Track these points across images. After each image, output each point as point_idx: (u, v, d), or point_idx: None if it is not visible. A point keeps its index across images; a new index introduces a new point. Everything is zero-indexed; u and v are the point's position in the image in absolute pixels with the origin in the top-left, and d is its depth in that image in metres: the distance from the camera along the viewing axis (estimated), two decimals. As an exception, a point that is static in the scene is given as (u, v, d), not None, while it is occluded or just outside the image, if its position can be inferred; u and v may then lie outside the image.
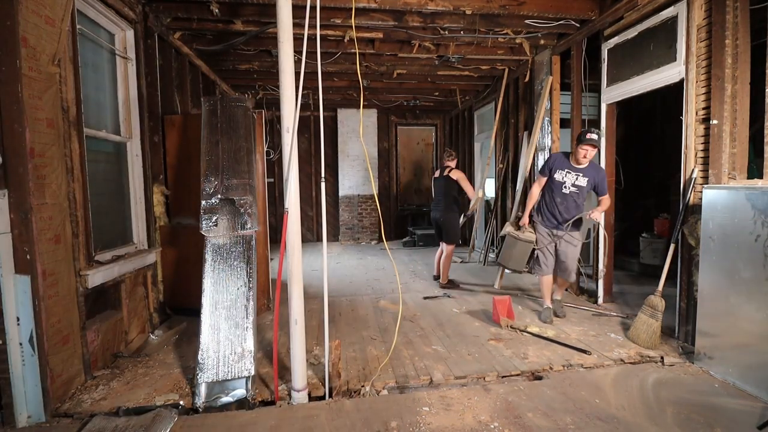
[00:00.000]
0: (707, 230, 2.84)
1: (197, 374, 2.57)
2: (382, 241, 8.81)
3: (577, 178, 3.59)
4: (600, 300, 4.25)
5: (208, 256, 2.83)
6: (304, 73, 2.60)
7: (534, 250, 3.80)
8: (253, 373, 2.61)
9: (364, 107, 8.51)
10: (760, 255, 2.49)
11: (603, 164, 4.24)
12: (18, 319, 2.27)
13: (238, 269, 2.83)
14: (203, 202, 2.91)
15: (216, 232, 2.88)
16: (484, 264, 6.38)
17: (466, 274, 5.73)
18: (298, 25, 2.62)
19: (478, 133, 7.83)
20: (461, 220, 5.16)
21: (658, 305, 3.18)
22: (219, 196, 2.93)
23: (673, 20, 3.31)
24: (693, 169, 3.14)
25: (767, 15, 3.01)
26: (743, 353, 2.61)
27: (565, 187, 3.62)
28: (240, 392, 2.56)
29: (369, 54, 5.24)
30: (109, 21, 3.36)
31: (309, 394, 2.56)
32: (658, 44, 3.49)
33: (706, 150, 3.06)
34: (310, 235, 9.04)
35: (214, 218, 2.89)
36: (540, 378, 2.78)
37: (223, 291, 2.78)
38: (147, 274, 3.67)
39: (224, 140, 3.11)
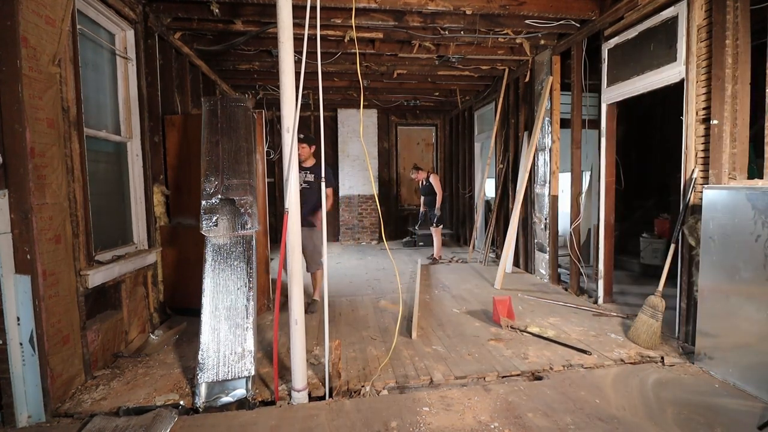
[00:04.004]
0: (707, 230, 2.84)
1: (197, 374, 2.57)
2: (383, 241, 8.81)
3: (306, 175, 4.11)
4: (600, 300, 4.25)
5: (209, 256, 2.83)
6: (305, 73, 2.60)
7: None
8: (253, 373, 2.61)
9: (364, 107, 8.51)
10: (761, 255, 2.49)
11: (603, 164, 4.24)
12: (18, 319, 2.27)
13: (239, 269, 2.83)
14: (203, 202, 2.91)
15: (216, 232, 2.88)
16: (484, 264, 6.38)
17: (468, 274, 5.73)
18: (298, 25, 2.63)
19: (478, 133, 7.82)
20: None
21: (658, 305, 3.18)
22: (219, 196, 2.93)
23: (674, 20, 3.31)
24: (693, 170, 3.14)
25: (767, 15, 3.02)
26: (743, 353, 2.61)
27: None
28: (240, 392, 2.57)
29: (369, 54, 5.24)
30: (110, 21, 3.36)
31: (309, 394, 2.56)
32: (659, 44, 3.49)
33: (706, 150, 3.06)
34: (311, 235, 9.02)
35: (215, 218, 2.89)
36: (540, 378, 2.78)
37: (224, 291, 2.78)
38: (147, 274, 3.68)
39: (224, 140, 3.11)
